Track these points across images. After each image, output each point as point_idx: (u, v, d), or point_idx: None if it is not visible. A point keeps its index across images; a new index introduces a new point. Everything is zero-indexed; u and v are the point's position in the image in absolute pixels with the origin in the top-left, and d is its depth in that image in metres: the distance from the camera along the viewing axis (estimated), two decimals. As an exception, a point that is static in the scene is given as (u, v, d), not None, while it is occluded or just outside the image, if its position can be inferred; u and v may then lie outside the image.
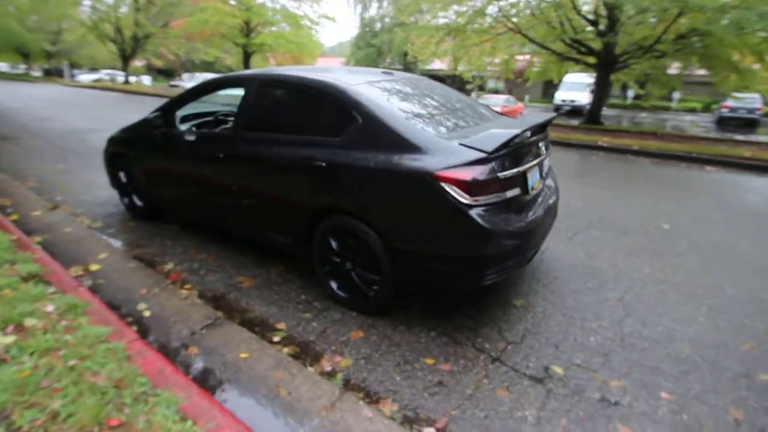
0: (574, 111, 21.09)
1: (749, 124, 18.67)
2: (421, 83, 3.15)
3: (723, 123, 19.08)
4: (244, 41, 20.49)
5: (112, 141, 4.15)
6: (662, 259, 3.65)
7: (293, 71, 2.96)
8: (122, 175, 4.10)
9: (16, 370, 1.80)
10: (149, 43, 27.98)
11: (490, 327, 2.58)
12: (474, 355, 2.32)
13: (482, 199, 2.17)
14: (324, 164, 2.52)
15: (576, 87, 21.83)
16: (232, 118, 4.12)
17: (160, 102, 5.54)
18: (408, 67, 38.22)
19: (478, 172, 2.14)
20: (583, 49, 11.48)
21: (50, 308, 2.29)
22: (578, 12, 10.89)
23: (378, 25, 38.54)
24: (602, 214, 4.77)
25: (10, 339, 2.01)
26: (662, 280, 3.26)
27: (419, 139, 2.30)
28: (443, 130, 2.45)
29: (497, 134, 2.26)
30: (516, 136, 2.23)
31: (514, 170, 2.32)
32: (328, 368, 2.19)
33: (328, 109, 2.61)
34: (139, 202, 4.05)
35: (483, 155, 2.16)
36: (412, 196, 2.26)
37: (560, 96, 22.08)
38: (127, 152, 3.93)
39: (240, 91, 3.09)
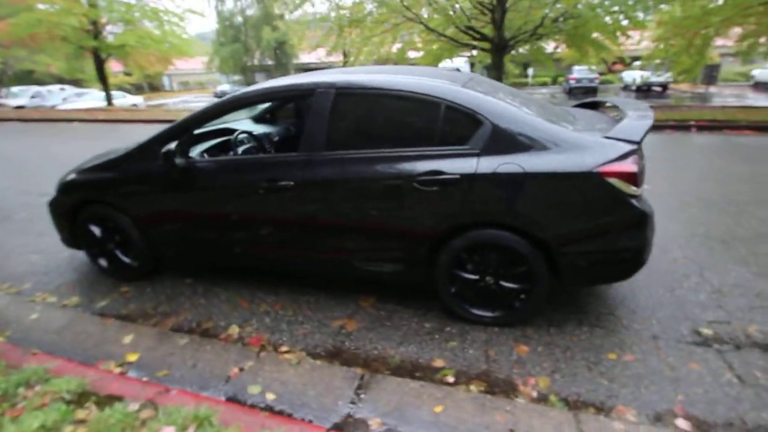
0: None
1: (591, 91, 22.55)
2: (491, 81, 3.05)
3: (572, 92, 22.73)
4: (95, 44, 17.23)
5: (72, 186, 3.17)
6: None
7: (372, 76, 2.60)
8: (96, 230, 3.16)
9: None
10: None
11: (622, 307, 2.68)
12: (637, 338, 2.39)
13: (641, 188, 2.22)
14: (458, 176, 2.28)
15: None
16: (275, 138, 3.50)
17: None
18: (280, 62, 36.81)
19: (637, 162, 2.17)
20: (477, 36, 12.38)
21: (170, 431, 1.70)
22: (471, 2, 11.68)
23: (239, 19, 36.02)
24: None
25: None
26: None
27: (562, 138, 2.24)
28: (568, 126, 2.42)
29: (636, 124, 2.31)
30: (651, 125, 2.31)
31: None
32: (534, 393, 2.04)
33: (446, 115, 2.36)
34: (128, 260, 3.17)
35: (634, 146, 2.20)
36: (573, 194, 2.21)
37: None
38: (108, 198, 3.03)
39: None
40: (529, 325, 2.54)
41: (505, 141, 2.26)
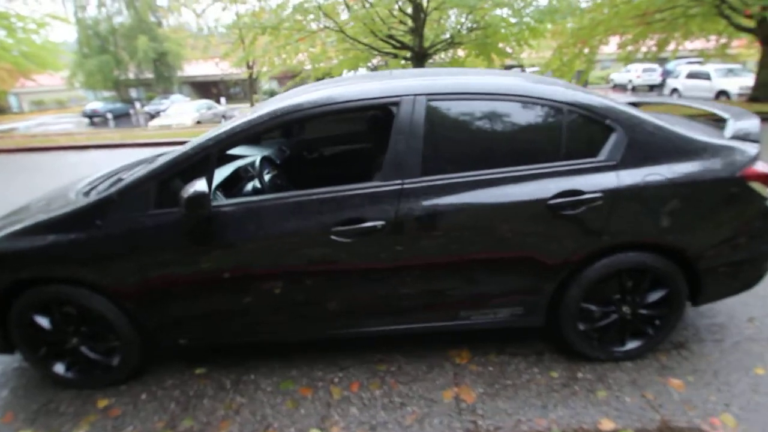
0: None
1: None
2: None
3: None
4: None
5: (7, 258, 2.06)
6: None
7: (461, 78, 2.09)
8: (44, 322, 2.11)
9: None
10: None
11: (737, 318, 2.53)
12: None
13: None
14: (600, 195, 1.90)
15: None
16: (331, 166, 2.72)
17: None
18: (162, 75, 33.15)
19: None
20: (397, 44, 12.34)
21: None
22: (391, 13, 11.61)
23: (104, 27, 31.50)
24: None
25: None
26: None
27: (697, 143, 2.03)
28: (688, 129, 2.19)
29: (751, 123, 2.16)
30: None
31: None
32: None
33: (570, 122, 1.96)
34: (103, 358, 2.18)
35: (759, 146, 2.06)
36: (719, 202, 2.02)
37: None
38: (66, 272, 2.02)
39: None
40: (659, 353, 2.24)
41: (644, 150, 1.97)
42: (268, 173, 2.50)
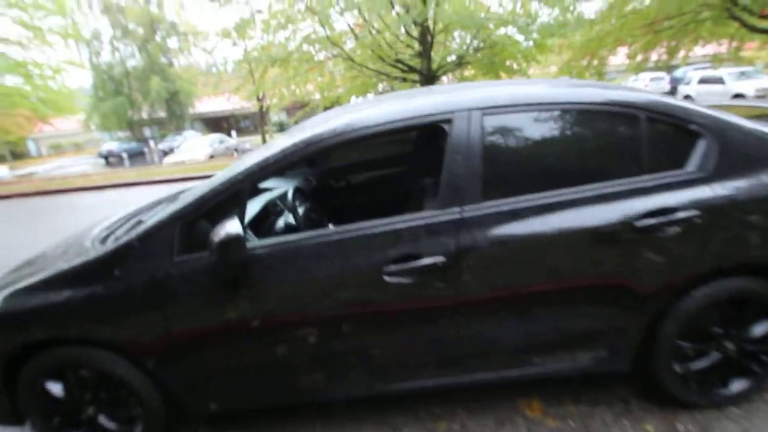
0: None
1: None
2: None
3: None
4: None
5: (7, 321, 1.82)
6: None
7: (515, 88, 1.88)
8: (57, 389, 1.88)
9: None
10: None
11: None
12: None
13: None
14: (697, 213, 1.62)
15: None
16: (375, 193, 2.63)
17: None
18: (174, 113, 33.96)
19: None
20: (405, 68, 12.35)
21: None
22: (398, 38, 11.67)
23: (118, 70, 32.60)
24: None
25: None
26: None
27: None
28: None
29: None
30: None
31: None
32: None
33: (649, 131, 1.72)
34: (124, 428, 1.92)
35: None
36: None
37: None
38: (82, 331, 1.79)
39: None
40: (766, 393, 1.90)
41: (738, 157, 1.74)
42: (300, 206, 2.27)
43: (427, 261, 1.64)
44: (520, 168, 1.79)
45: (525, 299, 1.74)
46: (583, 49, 12.45)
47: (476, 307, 1.73)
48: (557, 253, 1.70)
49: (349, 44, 12.16)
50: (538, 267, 1.71)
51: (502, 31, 12.14)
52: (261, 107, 17.51)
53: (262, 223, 2.33)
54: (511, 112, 1.77)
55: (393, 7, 10.80)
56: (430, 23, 11.63)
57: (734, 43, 12.76)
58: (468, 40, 11.86)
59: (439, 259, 1.64)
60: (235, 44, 11.41)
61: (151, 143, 29.24)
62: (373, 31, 11.52)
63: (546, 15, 11.27)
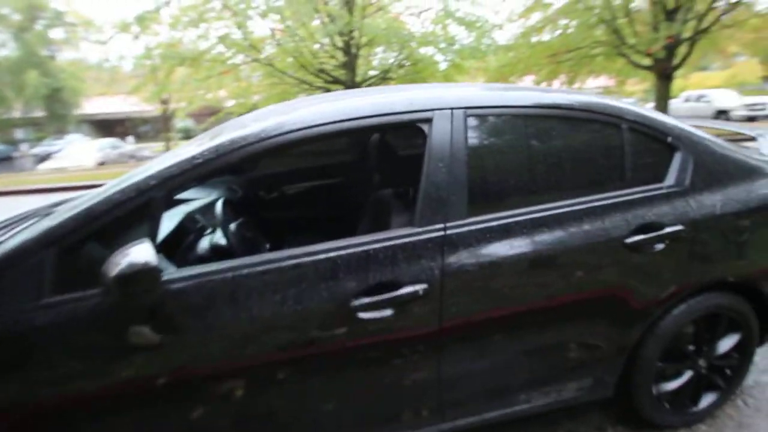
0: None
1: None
2: None
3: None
4: None
5: None
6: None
7: (494, 92, 1.64)
8: None
9: None
10: None
11: None
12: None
13: None
14: (681, 227, 1.55)
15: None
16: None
17: None
18: (55, 113, 29.58)
19: None
20: (329, 79, 12.08)
21: None
22: (322, 47, 11.40)
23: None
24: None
25: None
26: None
27: (753, 161, 1.81)
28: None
29: None
30: None
31: None
32: None
33: (631, 141, 1.62)
34: None
35: None
36: None
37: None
38: None
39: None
40: (726, 407, 1.90)
41: (710, 171, 1.70)
42: (229, 223, 1.80)
43: (407, 290, 1.32)
44: (506, 179, 1.55)
45: (516, 328, 1.49)
46: (496, 73, 13.31)
47: (459, 341, 1.44)
48: (553, 273, 1.50)
49: (270, 48, 11.58)
50: (528, 291, 1.49)
51: (423, 50, 12.53)
52: (165, 111, 15.84)
53: (177, 245, 1.82)
54: (495, 115, 1.53)
55: (317, 12, 10.51)
56: (356, 35, 11.57)
57: (620, 78, 14.70)
58: (393, 55, 12.01)
59: (420, 287, 1.33)
60: (136, 38, 10.09)
61: (24, 147, 25.06)
62: (297, 38, 11.11)
63: (465, 38, 11.87)
